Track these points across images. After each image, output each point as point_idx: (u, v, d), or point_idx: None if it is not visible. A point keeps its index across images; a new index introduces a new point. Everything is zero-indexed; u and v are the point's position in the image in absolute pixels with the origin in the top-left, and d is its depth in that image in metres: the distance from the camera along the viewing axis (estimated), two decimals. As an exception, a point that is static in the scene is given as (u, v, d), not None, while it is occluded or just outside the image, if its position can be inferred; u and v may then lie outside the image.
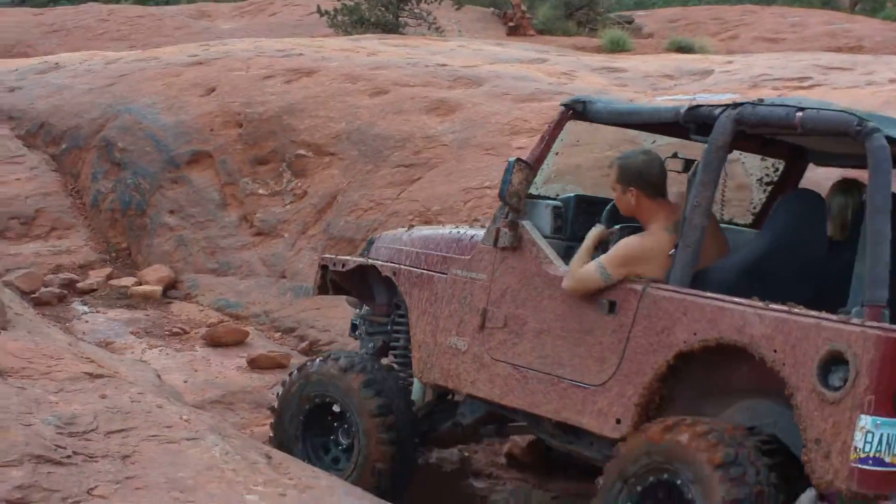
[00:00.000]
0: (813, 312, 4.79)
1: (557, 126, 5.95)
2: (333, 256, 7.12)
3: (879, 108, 10.84)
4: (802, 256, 5.24)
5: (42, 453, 4.77)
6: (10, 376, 5.66)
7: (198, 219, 10.69)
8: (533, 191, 6.09)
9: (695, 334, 5.07)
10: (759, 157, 6.20)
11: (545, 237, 5.89)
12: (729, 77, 12.78)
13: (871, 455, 4.52)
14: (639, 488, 5.05)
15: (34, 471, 4.62)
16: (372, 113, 10.87)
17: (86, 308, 9.85)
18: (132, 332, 9.35)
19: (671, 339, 5.15)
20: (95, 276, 10.50)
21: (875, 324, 4.57)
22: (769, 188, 6.47)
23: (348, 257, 7.07)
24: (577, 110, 5.88)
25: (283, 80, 11.74)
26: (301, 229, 10.25)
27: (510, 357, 5.83)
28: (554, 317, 5.65)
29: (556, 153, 6.14)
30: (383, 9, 21.24)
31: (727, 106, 5.27)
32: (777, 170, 6.45)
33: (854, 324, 4.62)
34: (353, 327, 7.10)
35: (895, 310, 4.78)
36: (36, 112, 12.60)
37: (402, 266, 6.47)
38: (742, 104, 5.23)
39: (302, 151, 10.69)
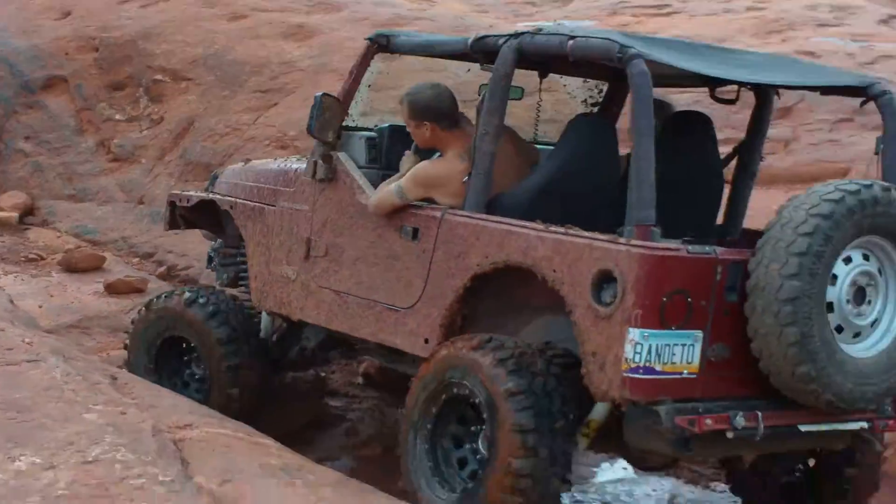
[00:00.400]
0: (586, 233, 5.00)
1: (364, 60, 6.18)
2: (180, 192, 7.28)
3: (733, 35, 11.16)
4: (595, 179, 5.44)
5: None
6: None
7: (54, 145, 10.61)
8: (350, 123, 6.30)
9: (486, 257, 5.33)
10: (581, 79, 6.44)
11: (361, 167, 6.14)
12: (589, 4, 12.98)
13: (642, 365, 4.77)
14: (444, 397, 5.32)
15: None
16: (229, 38, 10.84)
17: None
18: None
19: (467, 262, 5.41)
20: None
21: (639, 242, 4.79)
22: (594, 108, 6.69)
23: (193, 192, 7.20)
24: (382, 44, 6.12)
25: (139, 4, 11.62)
26: (158, 155, 10.26)
27: (332, 283, 6.12)
28: (367, 244, 5.92)
29: (369, 86, 6.37)
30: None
31: (509, 36, 5.49)
32: (601, 91, 6.70)
33: (621, 243, 4.84)
34: (209, 260, 7.28)
35: (679, 230, 5.05)
36: None
37: (238, 200, 6.69)
38: (522, 34, 5.44)
39: (159, 77, 10.66)
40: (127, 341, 6.96)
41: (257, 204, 6.58)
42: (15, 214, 10.08)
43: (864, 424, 5.27)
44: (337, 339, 6.59)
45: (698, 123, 5.94)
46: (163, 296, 6.84)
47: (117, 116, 10.62)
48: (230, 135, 9.94)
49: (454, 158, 5.69)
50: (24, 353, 5.58)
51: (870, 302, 5.05)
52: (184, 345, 6.73)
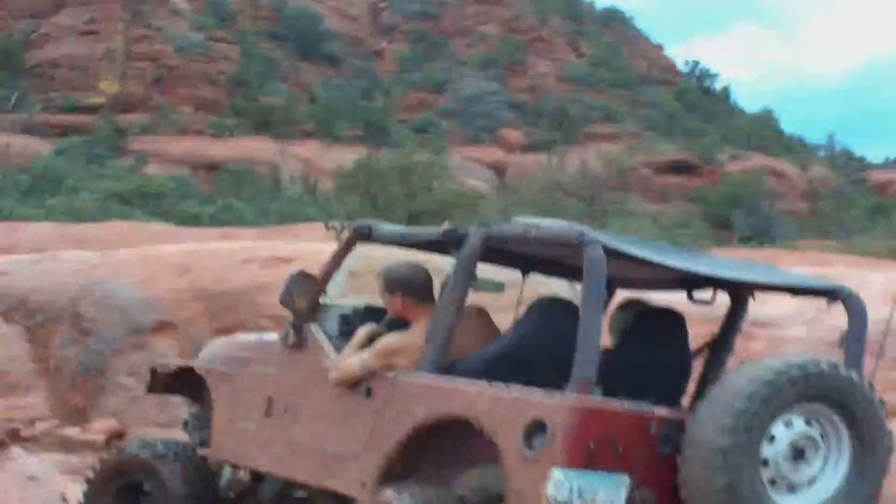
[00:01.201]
0: (525, 388, 5.33)
1: (346, 247, 6.62)
2: (164, 361, 7.87)
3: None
4: (552, 353, 5.63)
5: None
6: None
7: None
8: (329, 301, 6.74)
9: (430, 411, 5.65)
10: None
11: (332, 339, 6.52)
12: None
13: (562, 501, 5.01)
14: None
15: None
16: (340, 288, 10.95)
17: (23, 452, 9.83)
18: (61, 472, 9.39)
19: (412, 415, 5.72)
20: (41, 427, 10.62)
21: (573, 395, 5.13)
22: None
23: (174, 361, 7.73)
24: (364, 233, 6.52)
25: (259, 266, 11.90)
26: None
27: (287, 436, 6.48)
28: (326, 402, 6.27)
29: (350, 272, 6.81)
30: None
31: (478, 226, 5.96)
32: None
33: (556, 395, 5.18)
34: (185, 423, 7.58)
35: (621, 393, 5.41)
36: (17, 291, 12.81)
37: (214, 367, 7.15)
38: (491, 225, 5.96)
39: (265, 322, 10.72)
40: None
41: (230, 369, 7.01)
42: (102, 437, 10.20)
43: None
44: (290, 496, 6.83)
45: (670, 318, 6.29)
46: (136, 442, 7.16)
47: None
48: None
49: (421, 329, 6.01)
50: None
51: (808, 461, 5.33)
52: (141, 492, 6.94)
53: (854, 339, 5.92)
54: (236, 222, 34.10)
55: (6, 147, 59.30)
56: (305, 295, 6.51)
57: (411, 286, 6.16)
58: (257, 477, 6.91)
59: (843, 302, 6.01)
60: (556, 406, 5.13)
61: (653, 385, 5.84)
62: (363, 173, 23.85)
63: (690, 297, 6.43)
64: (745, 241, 33.98)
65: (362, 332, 6.22)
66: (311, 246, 14.57)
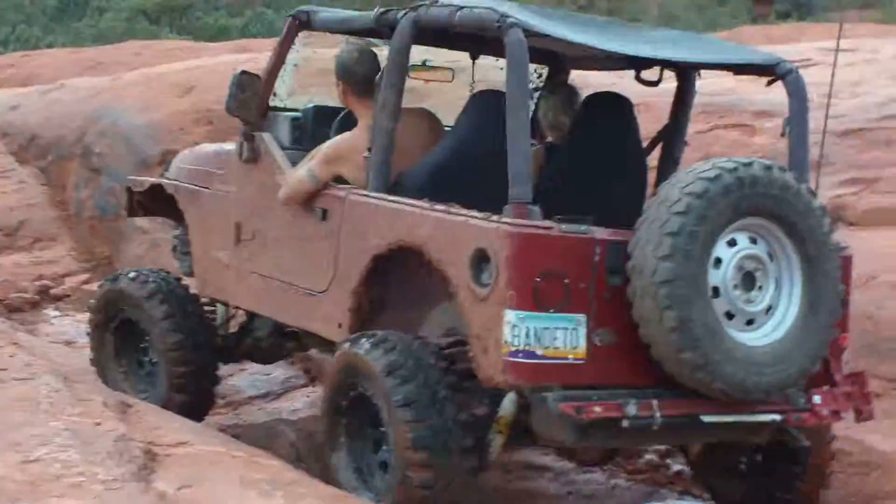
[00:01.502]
0: (465, 212, 4.79)
1: (286, 38, 5.97)
2: (135, 178, 7.25)
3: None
4: (487, 157, 5.01)
5: None
6: None
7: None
8: (278, 103, 6.14)
9: (383, 238, 5.14)
10: None
11: (285, 148, 5.92)
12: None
13: (521, 348, 4.54)
14: (344, 404, 5.09)
15: None
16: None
17: (56, 312, 9.67)
18: None
19: (367, 243, 5.22)
20: (70, 283, 10.35)
21: (509, 220, 4.60)
22: (535, 94, 6.32)
23: (146, 178, 7.11)
24: (303, 20, 5.92)
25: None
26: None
27: (258, 268, 5.97)
28: (285, 226, 5.75)
29: (296, 65, 6.25)
30: None
31: (407, 9, 5.26)
32: (540, 76, 6.45)
33: (493, 221, 4.64)
34: (174, 248, 7.08)
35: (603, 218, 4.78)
36: (28, 127, 12.47)
37: (181, 183, 6.58)
38: (419, 6, 5.23)
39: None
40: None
41: (195, 187, 6.47)
42: None
43: (776, 417, 4.96)
44: (286, 331, 6.40)
45: (616, 105, 5.61)
46: (129, 274, 6.65)
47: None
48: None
49: (361, 130, 5.47)
50: (16, 373, 5.38)
51: (760, 287, 4.76)
52: (140, 329, 6.56)
53: (796, 121, 5.23)
54: (267, 34, 33.47)
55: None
56: (252, 99, 5.90)
57: (352, 75, 5.58)
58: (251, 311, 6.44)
59: (783, 80, 5.30)
60: (494, 233, 4.62)
61: (610, 190, 5.34)
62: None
63: (638, 77, 5.77)
64: (784, 16, 32.90)
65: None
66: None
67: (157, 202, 6.88)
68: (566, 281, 4.60)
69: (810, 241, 4.80)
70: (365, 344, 4.95)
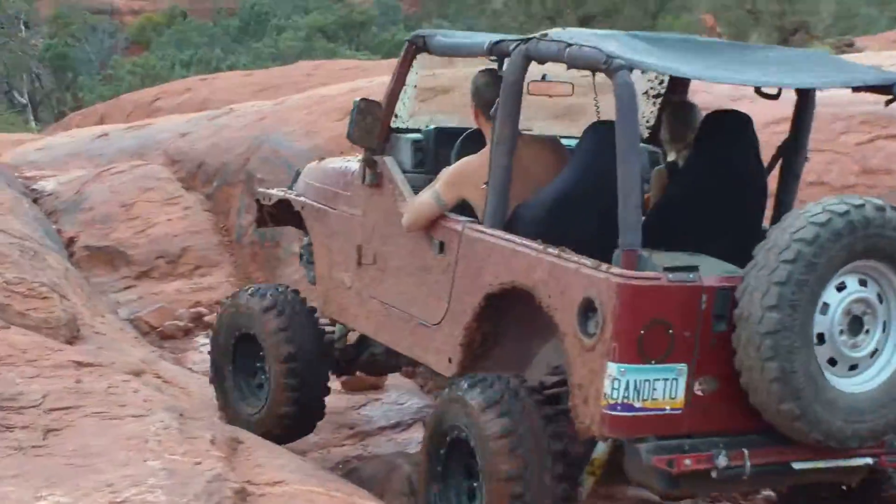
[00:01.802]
0: (576, 258, 4.79)
1: (404, 61, 6.09)
2: (265, 191, 7.37)
3: None
4: (603, 192, 4.88)
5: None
6: (-11, 362, 5.68)
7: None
8: (400, 125, 6.24)
9: (497, 277, 5.15)
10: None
11: (407, 172, 6.03)
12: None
13: (620, 401, 4.54)
14: (446, 441, 5.14)
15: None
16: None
17: (206, 340, 9.69)
18: None
19: (482, 280, 5.24)
20: None
21: (617, 270, 4.58)
22: (657, 100, 6.45)
23: (275, 191, 7.22)
24: (419, 45, 6.01)
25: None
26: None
27: (379, 293, 6.07)
28: (404, 254, 5.83)
29: (415, 86, 6.29)
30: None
31: (519, 41, 5.30)
32: (662, 82, 6.47)
33: (602, 270, 4.63)
34: (301, 256, 7.25)
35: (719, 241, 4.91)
36: (196, 153, 12.73)
37: (307, 201, 6.73)
38: (529, 39, 5.25)
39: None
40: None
41: (321, 205, 6.60)
42: None
43: (869, 461, 4.92)
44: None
45: (737, 123, 5.52)
46: (250, 290, 6.87)
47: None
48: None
49: (487, 154, 5.40)
50: (133, 409, 5.52)
51: (868, 331, 4.69)
52: (257, 344, 6.68)
53: None
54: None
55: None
56: (373, 125, 5.99)
57: (481, 97, 5.55)
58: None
59: None
60: (603, 283, 4.62)
61: (729, 211, 5.30)
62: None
63: (758, 90, 5.62)
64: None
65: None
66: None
67: (285, 214, 7.07)
68: (671, 331, 4.58)
69: None
70: (464, 384, 5.07)
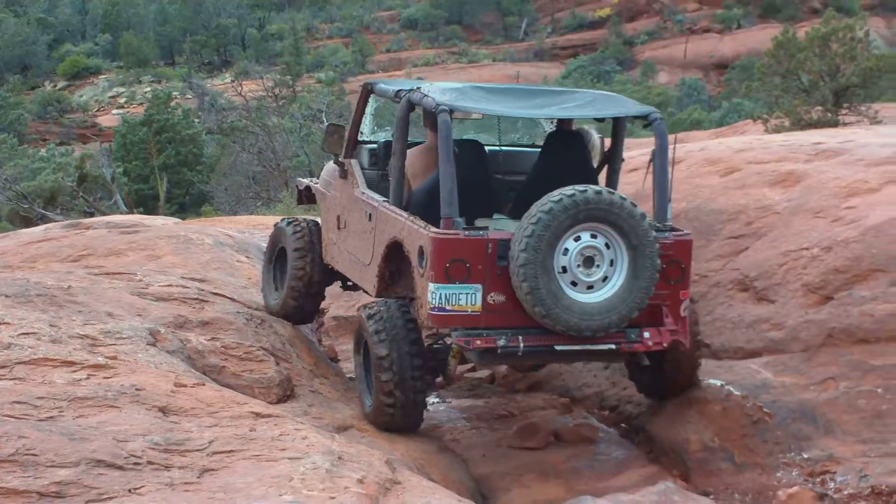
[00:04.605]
0: (419, 222, 7.77)
1: (361, 100, 9.44)
2: (300, 179, 10.80)
3: None
4: (465, 185, 7.77)
5: (104, 459, 5.24)
6: (173, 414, 6.21)
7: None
8: (365, 139, 9.48)
9: (390, 235, 8.19)
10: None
11: (365, 169, 9.21)
12: None
13: (437, 306, 7.52)
14: (362, 338, 8.34)
15: (84, 471, 5.09)
16: (714, 191, 10.64)
17: (435, 399, 10.06)
18: (464, 418, 9.51)
19: (384, 237, 8.31)
20: (459, 370, 10.78)
21: (434, 230, 7.56)
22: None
23: (304, 180, 10.59)
24: (369, 90, 9.34)
25: (645, 172, 11.72)
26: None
27: (347, 246, 9.20)
28: (356, 221, 8.94)
29: (373, 114, 9.58)
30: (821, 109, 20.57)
31: (408, 90, 8.31)
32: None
33: (427, 230, 7.62)
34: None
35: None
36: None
37: (318, 187, 10.03)
38: (410, 90, 8.29)
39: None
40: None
41: (323, 191, 9.87)
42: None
43: (612, 346, 7.81)
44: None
45: (572, 138, 8.79)
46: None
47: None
48: (697, 282, 9.67)
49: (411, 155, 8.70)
50: (292, 452, 5.84)
51: (598, 266, 7.58)
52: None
53: (659, 153, 8.00)
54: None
55: (516, 76, 61.66)
56: (338, 140, 9.16)
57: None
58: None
59: (651, 124, 8.08)
60: (426, 237, 7.59)
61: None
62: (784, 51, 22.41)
63: (597, 119, 8.75)
64: None
65: None
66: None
67: (311, 195, 10.27)
68: (468, 265, 7.50)
69: (632, 233, 7.54)
70: (364, 308, 8.20)
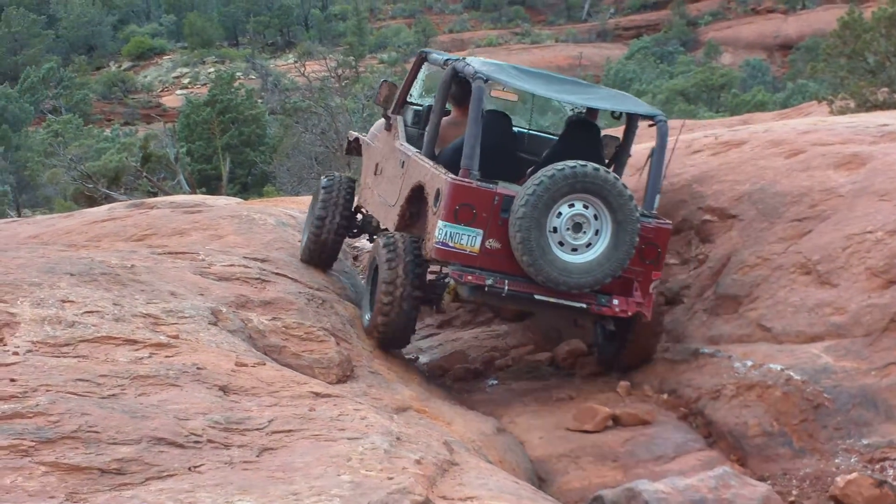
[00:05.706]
0: (440, 169, 8.97)
1: (415, 65, 10.61)
2: (350, 132, 12.26)
3: None
4: (491, 143, 9.15)
5: (165, 436, 5.31)
6: (234, 393, 6.27)
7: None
8: (413, 100, 10.71)
9: (416, 179, 9.37)
10: None
11: (408, 127, 10.39)
12: None
13: (441, 241, 8.70)
14: (374, 264, 9.42)
15: (145, 449, 5.15)
16: (777, 173, 10.56)
17: (494, 381, 10.14)
18: (521, 401, 9.52)
19: (410, 181, 9.47)
20: (515, 353, 10.83)
21: (452, 176, 8.73)
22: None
23: (354, 133, 12.01)
24: (423, 57, 10.50)
25: (709, 153, 11.67)
26: (698, 293, 10.13)
27: (379, 190, 10.40)
28: (391, 168, 10.13)
29: (423, 80, 10.79)
30: (887, 90, 20.24)
31: (454, 60, 9.53)
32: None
33: (445, 176, 8.78)
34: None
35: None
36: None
37: (364, 138, 11.36)
38: (457, 60, 9.49)
39: (707, 217, 10.58)
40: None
41: (369, 142, 11.13)
42: (569, 360, 10.32)
43: (583, 305, 8.83)
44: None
45: (588, 127, 9.63)
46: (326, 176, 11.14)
47: (672, 260, 10.62)
48: (760, 265, 9.62)
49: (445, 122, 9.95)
50: (351, 433, 5.86)
51: (585, 232, 8.62)
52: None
53: (657, 151, 9.08)
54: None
55: (578, 57, 61.35)
56: (390, 97, 10.35)
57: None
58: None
59: (656, 125, 9.16)
60: (443, 181, 8.75)
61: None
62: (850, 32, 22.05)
63: (613, 115, 9.92)
64: None
65: None
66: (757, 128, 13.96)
67: (358, 147, 11.57)
68: (474, 211, 8.66)
69: (619, 210, 8.55)
70: (380, 239, 9.32)
